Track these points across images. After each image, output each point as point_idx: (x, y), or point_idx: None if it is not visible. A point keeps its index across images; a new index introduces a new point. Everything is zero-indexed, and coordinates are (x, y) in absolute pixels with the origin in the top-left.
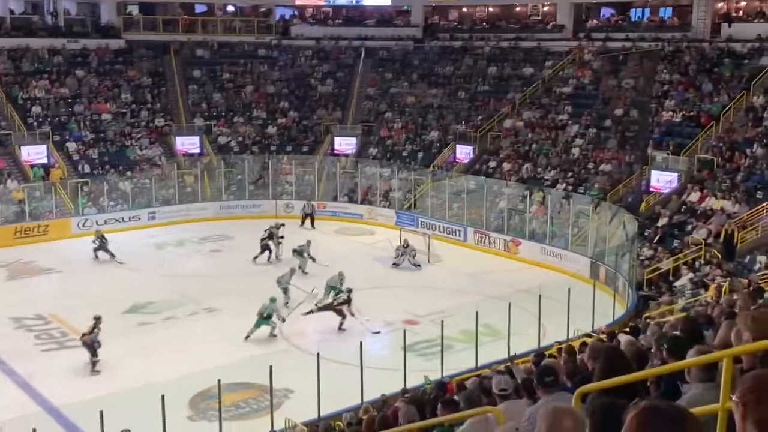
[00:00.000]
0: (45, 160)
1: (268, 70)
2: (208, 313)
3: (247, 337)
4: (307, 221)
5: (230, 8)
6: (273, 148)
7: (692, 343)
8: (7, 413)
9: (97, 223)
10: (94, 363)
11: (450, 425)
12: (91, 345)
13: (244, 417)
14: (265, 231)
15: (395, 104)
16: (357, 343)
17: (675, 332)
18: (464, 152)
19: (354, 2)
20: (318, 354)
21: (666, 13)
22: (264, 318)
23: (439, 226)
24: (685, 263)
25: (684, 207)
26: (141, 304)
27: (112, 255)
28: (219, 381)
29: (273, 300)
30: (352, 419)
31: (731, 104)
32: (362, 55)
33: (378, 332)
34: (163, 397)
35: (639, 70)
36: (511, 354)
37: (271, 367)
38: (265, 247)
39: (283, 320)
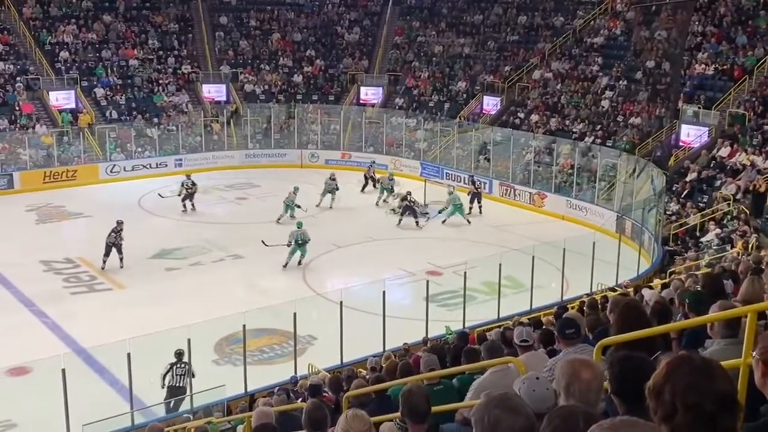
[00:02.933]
0: (73, 105)
1: (294, 18)
2: (233, 260)
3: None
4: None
5: None
6: (299, 96)
7: (713, 299)
8: (37, 354)
9: (125, 169)
10: None
11: (470, 374)
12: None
13: (268, 362)
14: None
15: (422, 53)
16: (380, 292)
17: (696, 288)
18: (491, 103)
19: None
20: (341, 302)
21: None
22: (299, 245)
23: (464, 178)
24: (712, 219)
25: (713, 162)
26: (168, 249)
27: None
28: (244, 326)
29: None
30: (376, 364)
31: (766, 58)
32: (390, 3)
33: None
34: (189, 340)
35: (672, 22)
36: (534, 306)
37: (294, 314)
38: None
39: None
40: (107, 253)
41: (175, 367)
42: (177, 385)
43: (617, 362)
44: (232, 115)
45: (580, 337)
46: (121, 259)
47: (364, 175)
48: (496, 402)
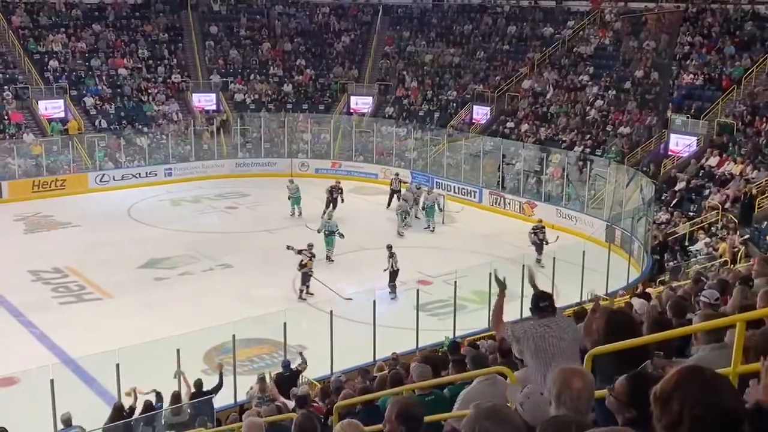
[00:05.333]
0: (62, 115)
1: (285, 27)
2: (223, 270)
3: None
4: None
5: None
6: (289, 106)
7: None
8: (25, 364)
9: (114, 179)
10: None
11: (461, 384)
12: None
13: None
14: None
15: (412, 63)
16: (370, 301)
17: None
18: (481, 113)
19: None
20: (331, 312)
21: None
22: (326, 235)
23: (454, 187)
24: (701, 228)
25: (702, 171)
26: (157, 259)
27: None
28: (234, 336)
29: (329, 216)
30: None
31: (753, 68)
32: (380, 13)
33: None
34: (178, 351)
35: (660, 32)
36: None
37: (285, 323)
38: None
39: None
40: (303, 282)
41: (391, 255)
42: (394, 269)
43: (627, 383)
44: (222, 124)
45: (554, 312)
46: (301, 291)
47: (390, 189)
48: (486, 414)
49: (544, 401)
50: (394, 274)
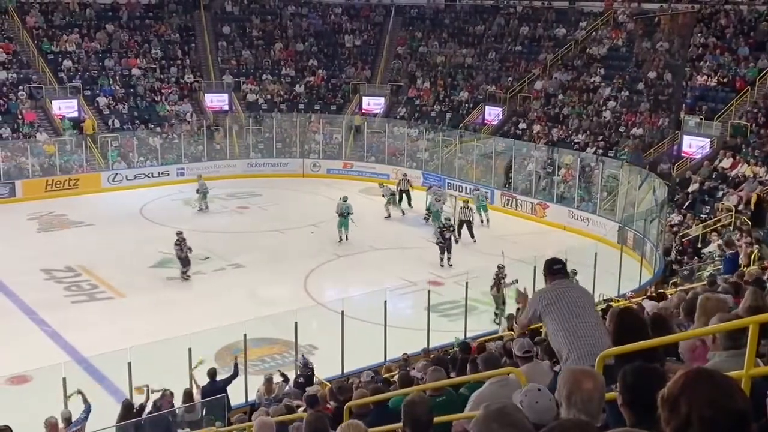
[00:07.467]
0: (75, 114)
1: (297, 28)
2: (234, 269)
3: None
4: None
5: None
6: (301, 106)
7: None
8: (37, 362)
9: (126, 178)
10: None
11: (472, 385)
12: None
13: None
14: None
15: (424, 64)
16: (381, 301)
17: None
18: (493, 113)
19: None
20: (342, 312)
21: None
22: (342, 216)
23: (465, 188)
24: (714, 230)
25: (715, 173)
26: (169, 258)
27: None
28: (245, 336)
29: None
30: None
31: (767, 69)
32: (392, 13)
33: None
34: (189, 350)
35: (674, 33)
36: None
37: (296, 323)
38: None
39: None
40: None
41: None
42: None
43: (630, 373)
44: (235, 123)
45: (566, 275)
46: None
47: (399, 189)
48: (494, 416)
49: (542, 396)
50: (466, 224)
